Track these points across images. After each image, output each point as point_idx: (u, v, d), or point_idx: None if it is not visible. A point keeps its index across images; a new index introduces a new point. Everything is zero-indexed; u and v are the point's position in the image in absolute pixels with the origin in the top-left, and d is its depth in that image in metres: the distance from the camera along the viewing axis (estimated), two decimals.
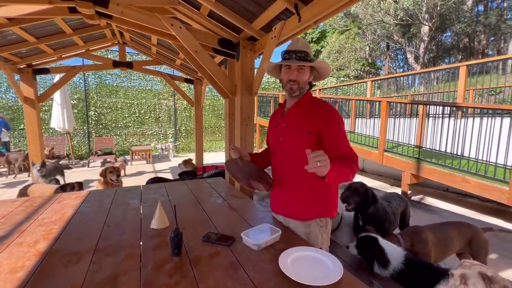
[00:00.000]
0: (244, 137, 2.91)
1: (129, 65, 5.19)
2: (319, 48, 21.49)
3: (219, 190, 2.23)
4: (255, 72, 2.85)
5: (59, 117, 6.74)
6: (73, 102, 8.33)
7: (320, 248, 1.41)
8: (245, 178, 1.41)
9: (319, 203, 1.35)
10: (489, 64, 5.75)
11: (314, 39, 21.83)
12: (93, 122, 8.76)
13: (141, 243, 1.26)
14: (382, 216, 2.06)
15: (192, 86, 6.28)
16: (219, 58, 3.76)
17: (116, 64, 5.15)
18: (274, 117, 1.51)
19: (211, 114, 10.70)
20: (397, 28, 17.76)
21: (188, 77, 5.98)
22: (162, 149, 8.96)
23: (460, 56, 19.28)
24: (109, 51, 7.70)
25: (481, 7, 18.15)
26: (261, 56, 2.88)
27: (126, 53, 5.74)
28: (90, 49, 5.08)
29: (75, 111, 8.40)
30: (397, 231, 2.35)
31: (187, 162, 5.10)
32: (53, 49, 4.37)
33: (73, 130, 7.92)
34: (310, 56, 1.28)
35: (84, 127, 8.64)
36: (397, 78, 11.15)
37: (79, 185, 3.49)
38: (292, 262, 1.08)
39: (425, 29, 16.95)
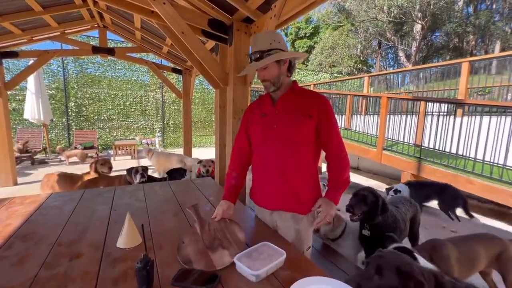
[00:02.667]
0: (236, 131, 2.59)
1: (110, 52, 4.74)
2: (312, 44, 21.26)
3: (208, 193, 1.92)
4: None
5: (33, 107, 6.16)
6: (51, 92, 7.72)
7: (310, 247, 1.31)
8: (203, 255, 1.04)
9: (313, 191, 1.28)
10: (476, 65, 5.60)
11: (307, 35, 21.58)
12: (73, 114, 8.17)
13: (99, 271, 0.94)
14: (391, 224, 1.81)
15: (181, 78, 5.89)
16: (210, 44, 3.41)
17: (95, 50, 4.69)
18: (259, 107, 1.34)
19: (201, 107, 10.28)
20: (390, 25, 17.72)
21: (176, 67, 5.57)
22: (148, 144, 8.49)
23: (448, 57, 19.50)
24: (90, 37, 7.13)
25: (470, 9, 18.37)
26: None
27: (109, 40, 5.28)
28: (66, 31, 4.59)
29: (53, 101, 7.79)
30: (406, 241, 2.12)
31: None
32: (21, 29, 3.88)
33: (50, 122, 7.34)
34: (268, 50, 1.20)
35: (63, 119, 8.04)
36: (387, 76, 11.08)
37: (144, 170, 2.96)
38: None
39: (417, 27, 16.99)
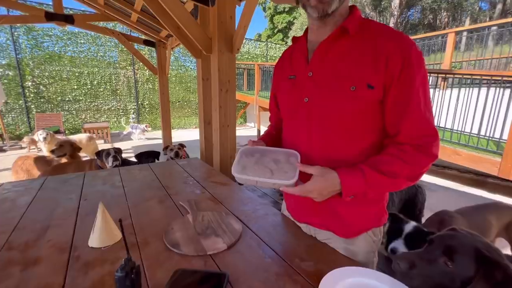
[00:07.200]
0: (224, 106, 2.32)
1: (67, 19, 4.07)
2: (291, 19, 20.68)
3: (196, 175, 1.69)
4: (237, 23, 2.21)
5: None
6: (1, 70, 6.75)
7: None
8: (193, 240, 0.86)
9: (371, 205, 0.80)
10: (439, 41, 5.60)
11: (286, 9, 20.86)
12: (32, 95, 7.28)
13: (65, 280, 0.71)
14: None
15: (153, 53, 5.32)
16: (188, 7, 2.99)
17: (49, 17, 3.99)
18: (287, 63, 0.85)
19: (178, 86, 9.67)
20: (369, 0, 17.58)
21: (149, 38, 4.99)
22: (133, 131, 7.63)
23: (421, 33, 19.97)
24: (43, 4, 6.15)
25: None
26: (243, 2, 2.24)
27: (65, 9, 4.54)
28: None
29: (5, 81, 6.84)
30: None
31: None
32: None
33: (3, 104, 6.47)
34: None
35: (20, 101, 7.14)
36: None
37: (117, 151, 2.52)
38: None
39: (395, 3, 17.01)
